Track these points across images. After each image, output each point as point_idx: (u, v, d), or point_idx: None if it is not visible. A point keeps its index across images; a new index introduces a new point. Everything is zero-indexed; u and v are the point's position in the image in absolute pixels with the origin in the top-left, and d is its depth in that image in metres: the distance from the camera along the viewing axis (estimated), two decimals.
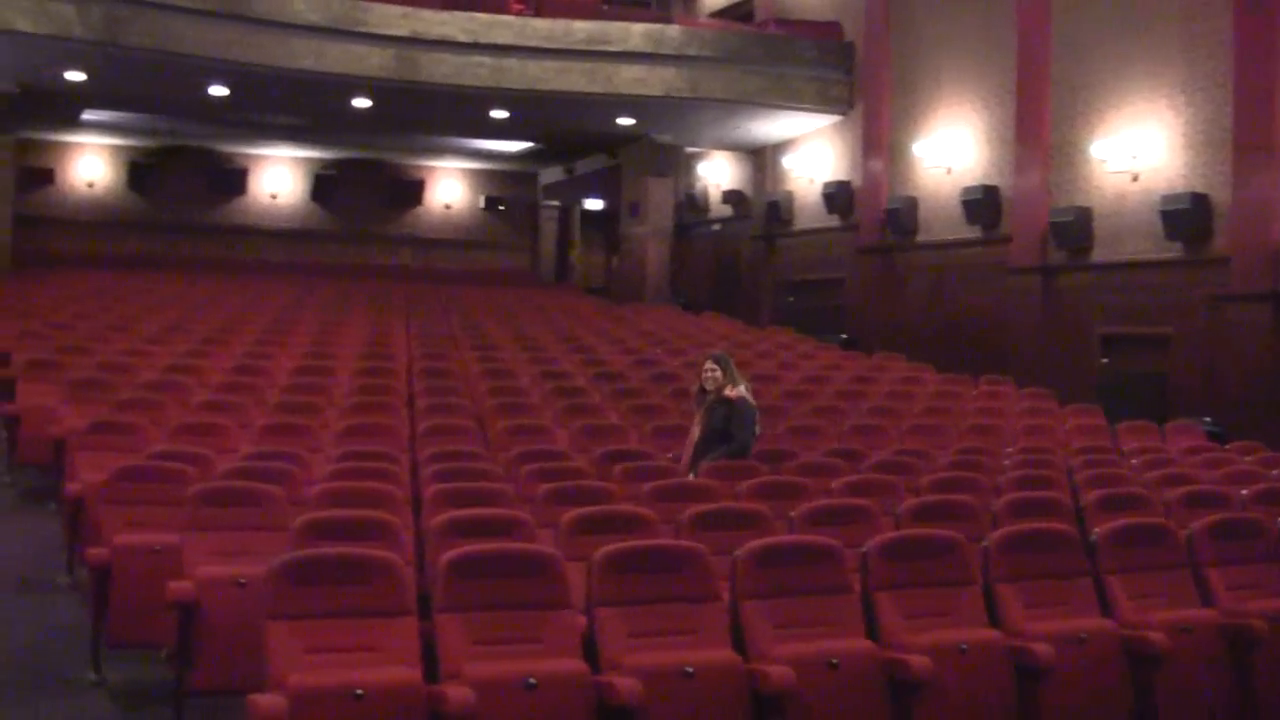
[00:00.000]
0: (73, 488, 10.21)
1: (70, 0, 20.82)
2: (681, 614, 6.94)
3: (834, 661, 6.71)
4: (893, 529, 8.66)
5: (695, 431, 11.45)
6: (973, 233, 22.03)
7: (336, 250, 33.61)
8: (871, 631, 7.19)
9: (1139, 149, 18.72)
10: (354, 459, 10.41)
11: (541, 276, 35.49)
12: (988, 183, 21.67)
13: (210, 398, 13.59)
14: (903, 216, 23.41)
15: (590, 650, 6.71)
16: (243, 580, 7.42)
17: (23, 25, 20.59)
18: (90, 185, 32.31)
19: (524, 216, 36.31)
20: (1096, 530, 8.42)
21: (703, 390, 11.48)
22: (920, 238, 23.39)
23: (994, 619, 7.52)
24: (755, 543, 7.43)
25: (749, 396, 11.44)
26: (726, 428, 11.22)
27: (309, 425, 12.15)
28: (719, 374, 11.36)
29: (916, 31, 23.88)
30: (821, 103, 25.40)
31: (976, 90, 22.35)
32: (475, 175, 35.72)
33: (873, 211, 24.46)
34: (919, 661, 6.78)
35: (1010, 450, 13.35)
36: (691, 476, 10.83)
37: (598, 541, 7.37)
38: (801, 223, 27.01)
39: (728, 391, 11.24)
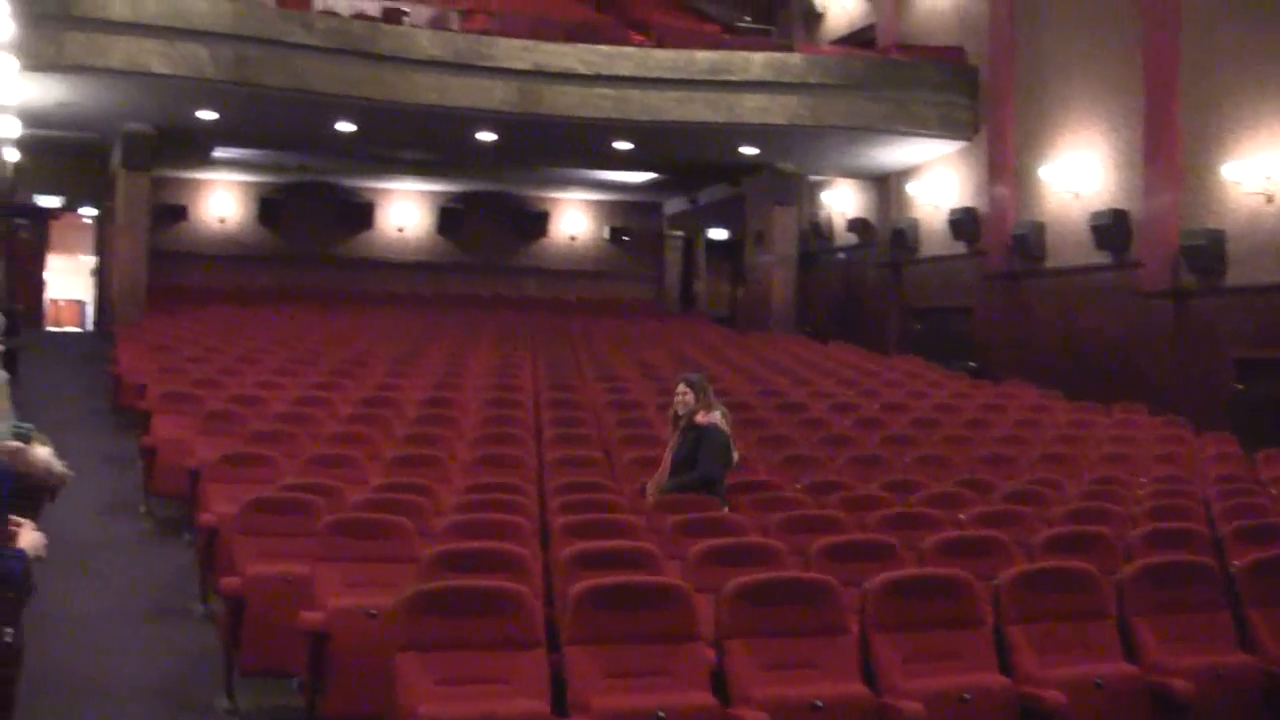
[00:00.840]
0: (206, 518, 10.37)
1: (202, 41, 21.25)
2: (811, 647, 6.90)
3: (966, 696, 6.64)
4: (1025, 561, 8.54)
5: (667, 458, 10.77)
6: (1102, 258, 21.66)
7: (462, 282, 33.82)
8: (1004, 665, 7.11)
9: (1274, 170, 18.35)
10: (482, 490, 10.47)
11: (666, 306, 35.49)
12: (1117, 206, 21.32)
13: (340, 429, 13.71)
14: (1030, 242, 23.10)
15: (719, 683, 6.69)
16: (373, 611, 7.49)
17: (157, 67, 21.03)
18: (222, 221, 32.80)
19: (648, 247, 36.37)
20: (1236, 562, 8.26)
21: (676, 415, 10.76)
22: (1048, 263, 23.06)
23: (1129, 652, 7.40)
24: (885, 575, 7.38)
25: (721, 424, 10.56)
26: (694, 455, 10.51)
27: (437, 456, 12.22)
28: (691, 398, 10.65)
29: (1042, 55, 23.57)
30: (946, 128, 25.17)
31: (1104, 113, 22.03)
32: (599, 206, 35.85)
33: (999, 237, 24.18)
34: (1053, 696, 6.70)
35: (1144, 480, 13.09)
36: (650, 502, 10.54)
37: (727, 573, 7.36)
38: (927, 250, 26.80)
39: (698, 418, 10.50)
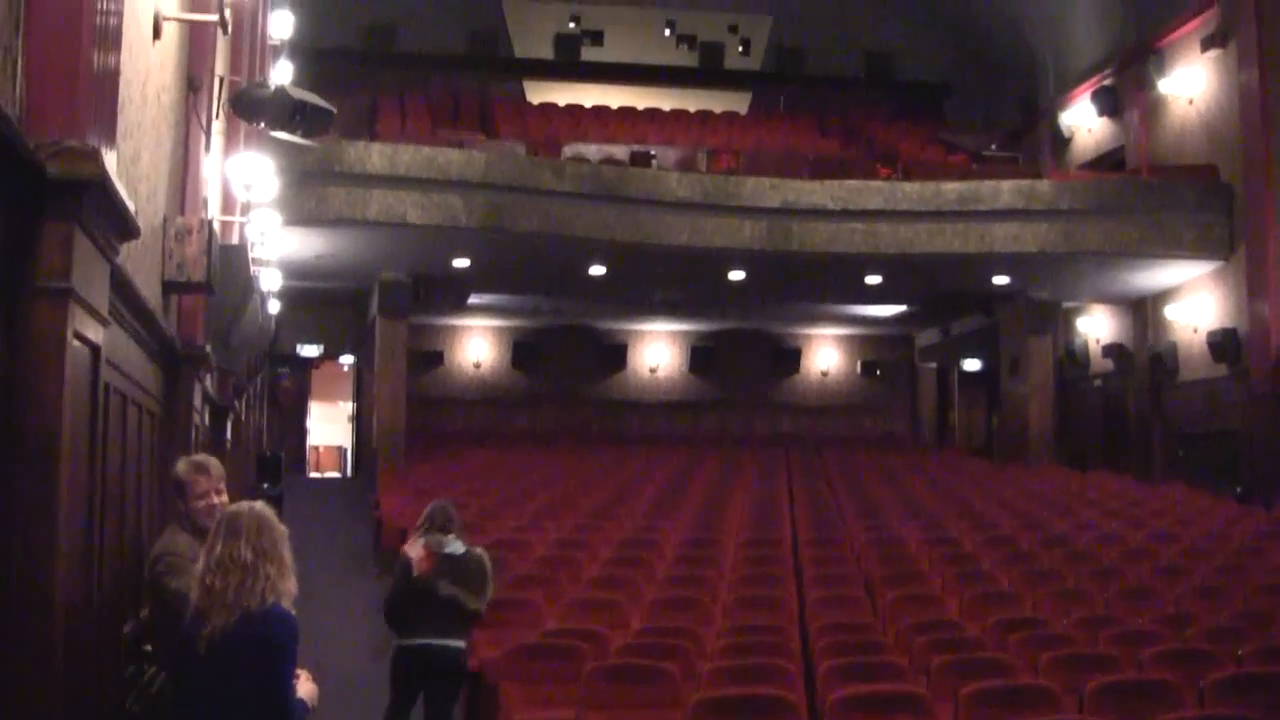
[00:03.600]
0: (472, 664, 10.37)
1: (456, 191, 21.74)
2: None
3: None
4: None
5: None
6: None
7: (716, 420, 33.91)
8: None
9: None
10: (745, 633, 10.33)
11: (922, 439, 35.10)
12: None
13: (601, 572, 13.70)
14: None
15: None
16: None
17: (413, 217, 21.56)
18: (477, 365, 33.39)
19: (901, 379, 36.13)
20: None
21: None
22: None
23: None
24: (1166, 716, 7.07)
25: (412, 556, 9.84)
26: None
27: (699, 598, 12.11)
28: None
29: None
30: (1202, 248, 24.57)
31: None
32: (851, 340, 35.76)
33: (1263, 357, 23.44)
34: None
35: None
36: None
37: (999, 716, 7.12)
38: (1187, 373, 26.08)
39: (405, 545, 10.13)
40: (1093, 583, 13.69)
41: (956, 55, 35.58)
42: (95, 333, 5.21)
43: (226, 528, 5.38)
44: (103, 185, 4.59)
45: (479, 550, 10.13)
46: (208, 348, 10.33)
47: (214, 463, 6.87)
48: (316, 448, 35.15)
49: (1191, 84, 26.16)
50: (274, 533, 5.38)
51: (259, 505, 5.54)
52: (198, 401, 10.63)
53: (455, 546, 9.94)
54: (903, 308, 31.54)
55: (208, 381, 11.91)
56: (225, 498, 6.68)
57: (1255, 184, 23.87)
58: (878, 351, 35.95)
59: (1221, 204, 24.52)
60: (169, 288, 8.67)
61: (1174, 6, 26.50)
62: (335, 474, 34.66)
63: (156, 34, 7.29)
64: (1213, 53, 25.28)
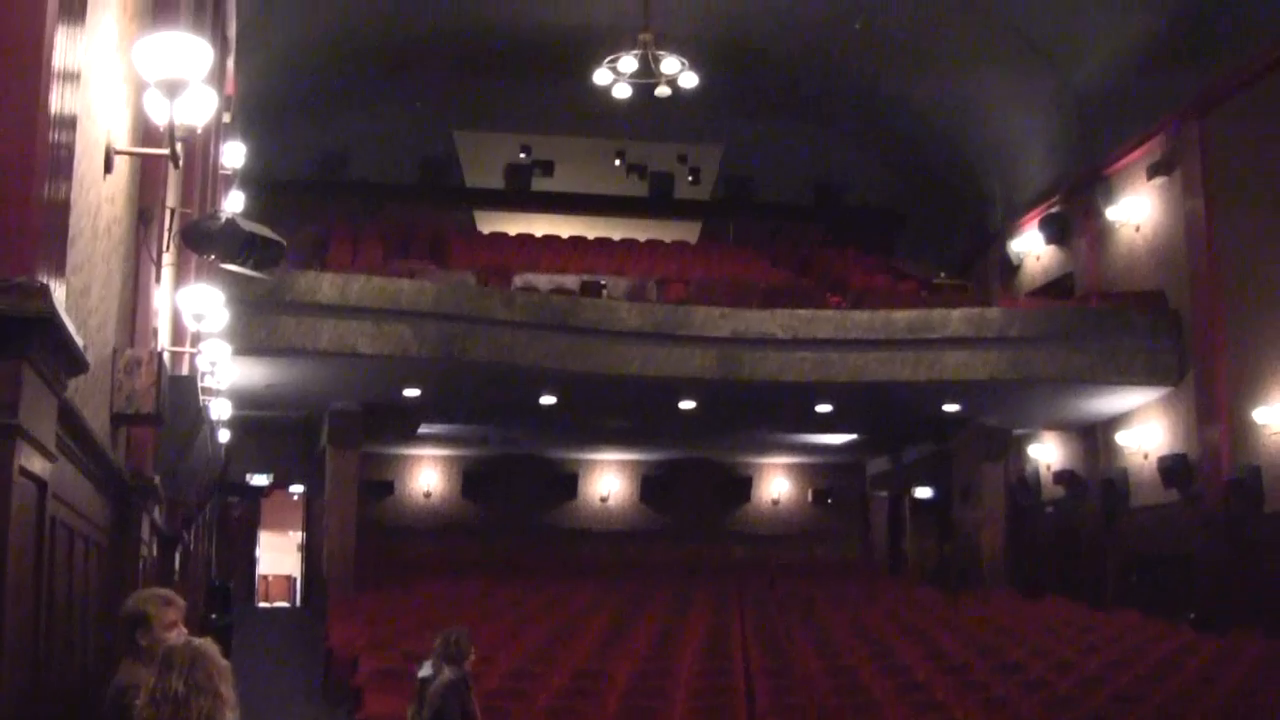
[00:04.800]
0: None
1: (407, 321, 21.72)
2: None
3: None
4: None
5: None
6: None
7: (667, 550, 33.78)
8: None
9: None
10: None
11: (874, 567, 35.03)
12: None
13: (553, 703, 13.60)
14: (1248, 486, 22.43)
15: None
16: None
17: (364, 348, 21.53)
18: (428, 495, 33.29)
19: (853, 508, 36.13)
20: None
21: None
22: (1268, 507, 22.33)
23: None
24: None
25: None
26: None
27: None
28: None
29: (1247, 293, 23.17)
30: (1152, 375, 24.74)
31: None
32: (802, 469, 35.81)
33: (1214, 483, 23.54)
34: None
35: None
36: None
37: None
38: (1139, 499, 26.13)
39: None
40: (1047, 711, 13.66)
41: (906, 183, 35.95)
42: (42, 468, 5.16)
43: (162, 661, 5.30)
44: (51, 321, 4.57)
45: (442, 677, 10.26)
46: (157, 479, 10.25)
47: (177, 597, 6.81)
48: (266, 577, 34.85)
49: (1138, 211, 26.51)
50: (209, 666, 5.28)
51: (198, 640, 5.46)
52: (146, 533, 10.53)
53: (424, 670, 10.40)
54: (853, 436, 31.65)
55: (156, 512, 11.80)
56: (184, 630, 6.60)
57: (1202, 310, 24.12)
58: (829, 480, 35.99)
59: (1170, 330, 24.74)
60: (118, 420, 8.61)
61: (1120, 136, 26.88)
62: (284, 603, 34.35)
63: (108, 168, 7.28)
64: (1159, 180, 25.63)
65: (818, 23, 28.57)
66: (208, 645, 5.39)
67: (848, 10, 27.82)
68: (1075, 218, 28.93)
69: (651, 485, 34.66)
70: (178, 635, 6.51)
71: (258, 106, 25.96)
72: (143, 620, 6.58)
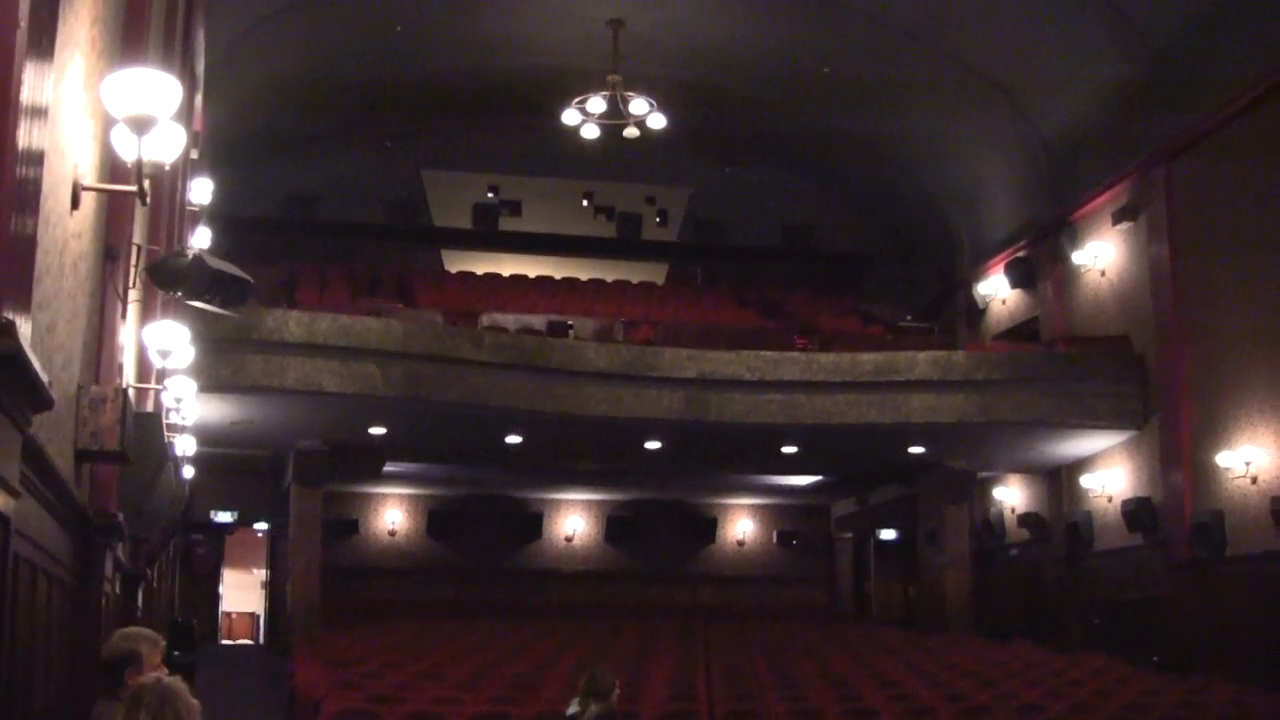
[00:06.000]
0: None
1: (374, 360, 21.70)
2: None
3: None
4: None
5: None
6: None
7: (633, 590, 33.73)
8: None
9: None
10: None
11: (839, 609, 35.01)
12: None
13: None
14: (1211, 530, 22.51)
15: None
16: None
17: (331, 387, 21.48)
18: (392, 534, 33.19)
19: (818, 550, 36.11)
20: None
21: None
22: (1230, 551, 22.39)
23: None
24: None
25: None
26: None
27: None
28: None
29: (1212, 338, 23.30)
30: (1116, 418, 24.86)
31: (1279, 393, 21.63)
32: (767, 510, 35.81)
33: (1178, 527, 23.62)
34: None
35: None
36: None
37: None
38: (1104, 543, 26.21)
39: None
40: None
41: (874, 227, 36.06)
42: (5, 504, 5.14)
43: (132, 699, 5.29)
44: (17, 358, 4.56)
45: (590, 711, 10.20)
46: (120, 516, 10.21)
47: (160, 639, 6.79)
48: (229, 614, 34.70)
49: (1103, 256, 26.66)
50: (178, 705, 5.26)
51: (169, 678, 5.44)
52: (109, 569, 10.48)
53: (572, 708, 10.32)
54: (819, 478, 31.68)
55: (119, 549, 11.75)
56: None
57: (1167, 355, 24.23)
58: (794, 521, 35.98)
59: (1135, 374, 24.86)
60: (82, 456, 8.58)
61: (1086, 181, 27.05)
62: (248, 641, 34.19)
63: (75, 204, 7.28)
64: (1124, 226, 25.79)
65: (786, 67, 28.73)
66: (178, 684, 5.37)
67: (816, 55, 27.97)
68: (1041, 262, 29.07)
69: (617, 526, 34.60)
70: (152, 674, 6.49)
71: (226, 144, 25.97)
72: (134, 660, 6.56)
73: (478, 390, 22.66)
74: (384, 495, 33.14)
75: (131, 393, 9.72)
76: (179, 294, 9.18)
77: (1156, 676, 21.13)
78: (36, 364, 4.90)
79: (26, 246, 5.26)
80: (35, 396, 5.19)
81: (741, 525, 35.68)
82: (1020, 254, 29.82)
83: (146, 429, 11.05)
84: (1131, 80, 24.97)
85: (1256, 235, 22.35)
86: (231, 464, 28.27)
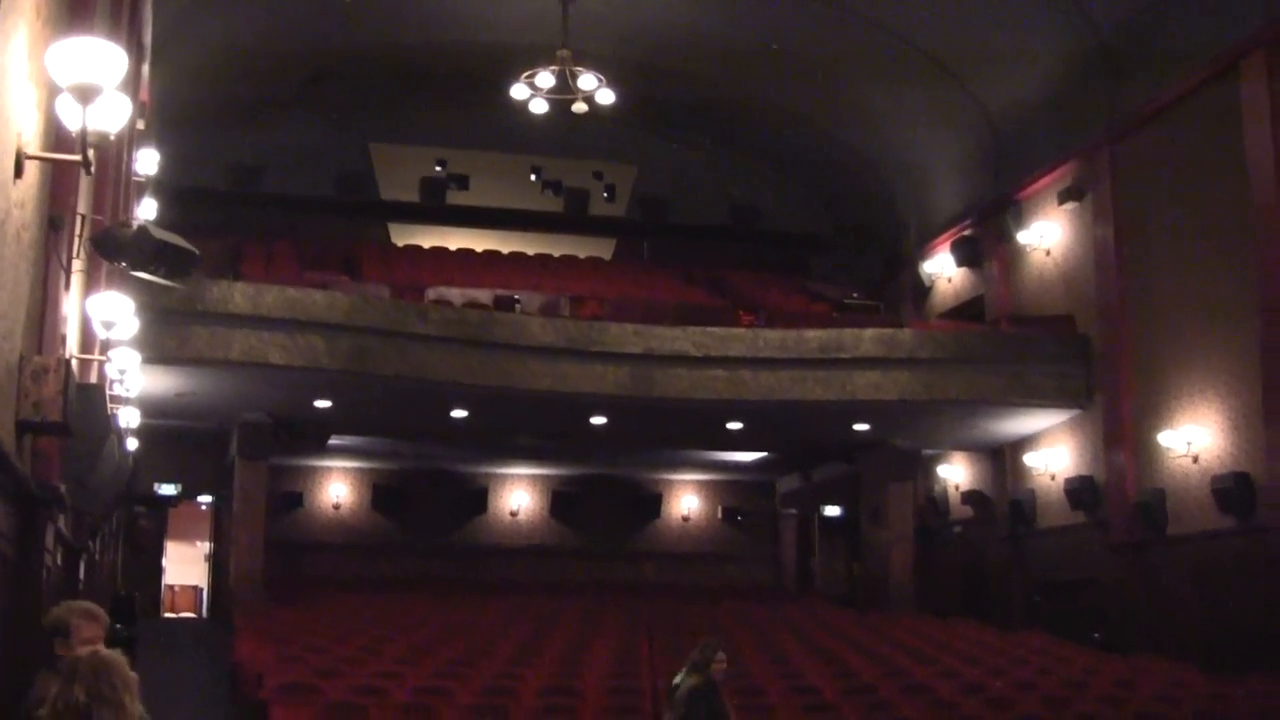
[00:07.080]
0: None
1: (320, 333, 21.63)
2: None
3: None
4: None
5: None
6: (1228, 522, 21.18)
7: (577, 566, 33.69)
8: None
9: None
10: None
11: (784, 587, 35.09)
12: (1238, 470, 20.95)
13: None
14: (1153, 510, 22.68)
15: None
16: None
17: (276, 359, 21.41)
18: (336, 508, 33.04)
19: (763, 526, 36.15)
20: None
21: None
22: (1171, 530, 22.57)
23: None
24: None
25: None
26: None
27: None
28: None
29: (1155, 319, 23.45)
30: (1060, 398, 25.02)
31: (1220, 374, 21.79)
32: (712, 486, 35.81)
33: (1120, 506, 23.79)
34: None
35: None
36: None
37: None
38: (1046, 521, 26.37)
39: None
40: None
41: (821, 206, 36.08)
42: None
43: (67, 672, 5.28)
44: None
45: (686, 682, 11.25)
46: (63, 488, 10.15)
47: (101, 612, 6.77)
48: (173, 587, 34.56)
49: (1049, 235, 26.82)
50: (113, 677, 5.24)
51: (106, 651, 5.43)
52: (50, 542, 10.43)
53: (678, 678, 11.37)
54: (764, 454, 31.73)
55: (61, 521, 11.69)
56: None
57: (1111, 334, 24.41)
58: (739, 498, 36.00)
59: (1079, 354, 25.02)
60: (24, 428, 8.53)
61: (1032, 161, 27.20)
62: (191, 614, 34.06)
63: (19, 172, 7.23)
64: (1069, 206, 25.95)
65: (734, 45, 28.68)
66: (114, 657, 5.36)
67: (764, 33, 27.94)
68: (987, 241, 29.18)
69: (561, 501, 34.55)
70: (93, 649, 6.47)
71: (173, 115, 25.75)
72: (64, 631, 6.55)
73: (423, 364, 22.62)
74: (329, 469, 33.00)
75: (75, 364, 9.67)
76: (123, 265, 9.14)
77: (1096, 655, 21.32)
78: None
79: None
80: None
81: (686, 501, 35.70)
82: (966, 233, 29.93)
83: (90, 401, 10.99)
84: (1079, 59, 25.11)
85: (1200, 217, 22.52)
86: (176, 436, 28.08)
